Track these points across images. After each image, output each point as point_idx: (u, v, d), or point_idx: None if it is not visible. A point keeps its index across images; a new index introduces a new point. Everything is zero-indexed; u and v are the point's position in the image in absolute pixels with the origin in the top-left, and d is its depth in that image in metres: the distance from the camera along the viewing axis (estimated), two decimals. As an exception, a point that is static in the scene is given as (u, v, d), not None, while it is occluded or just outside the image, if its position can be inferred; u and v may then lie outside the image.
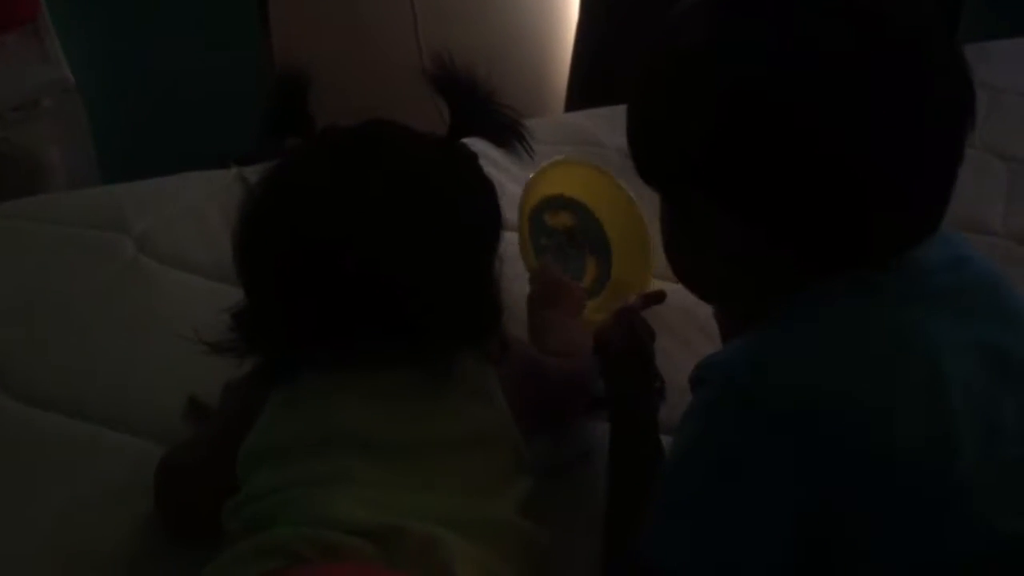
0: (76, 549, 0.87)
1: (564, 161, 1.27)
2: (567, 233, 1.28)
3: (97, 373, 1.07)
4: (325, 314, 0.78)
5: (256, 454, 0.80)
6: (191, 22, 2.02)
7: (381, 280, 0.77)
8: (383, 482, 0.76)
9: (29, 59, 1.84)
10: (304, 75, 0.83)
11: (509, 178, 1.17)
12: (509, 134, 0.86)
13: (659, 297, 1.16)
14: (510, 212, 0.93)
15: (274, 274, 0.79)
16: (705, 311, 1.16)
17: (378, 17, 2.19)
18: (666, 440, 1.01)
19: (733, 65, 0.68)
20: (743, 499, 0.70)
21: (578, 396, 1.00)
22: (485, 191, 0.86)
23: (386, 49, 2.15)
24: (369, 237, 0.78)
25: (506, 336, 0.87)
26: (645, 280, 1.24)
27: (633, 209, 1.26)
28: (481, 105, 0.85)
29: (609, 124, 1.66)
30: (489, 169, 0.89)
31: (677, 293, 1.22)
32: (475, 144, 0.88)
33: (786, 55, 0.67)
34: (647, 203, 1.17)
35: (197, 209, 1.34)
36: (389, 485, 0.76)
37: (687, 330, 1.16)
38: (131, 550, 0.88)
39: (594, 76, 2.35)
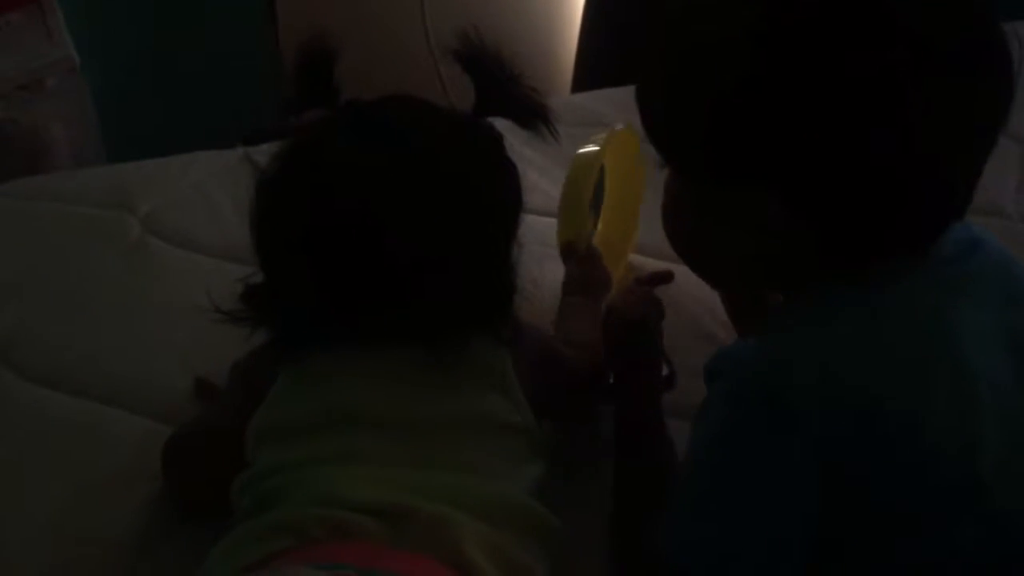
0: (82, 532, 0.87)
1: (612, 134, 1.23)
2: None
3: (102, 353, 1.06)
4: (338, 289, 0.77)
5: (265, 432, 0.79)
6: (196, 1, 2.01)
7: (395, 260, 0.76)
8: (392, 460, 0.76)
9: (33, 38, 1.83)
10: (331, 46, 0.82)
11: (532, 168, 1.16)
12: (533, 115, 0.85)
13: (667, 277, 1.15)
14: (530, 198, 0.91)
15: (291, 246, 0.78)
16: (715, 296, 1.16)
17: (385, 1, 2.17)
18: (675, 423, 1.01)
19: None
20: (765, 498, 0.69)
21: (591, 386, 0.99)
22: (507, 173, 0.85)
23: (393, 33, 2.13)
24: (388, 213, 0.77)
25: (519, 320, 0.86)
26: (626, 243, 1.21)
27: (637, 171, 1.22)
28: (507, 84, 0.83)
29: (617, 105, 1.64)
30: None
31: (686, 275, 1.23)
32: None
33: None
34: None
35: (203, 188, 1.33)
36: (398, 463, 0.76)
37: (698, 315, 1.15)
38: (137, 532, 0.87)
39: (601, 57, 2.34)
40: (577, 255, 1.11)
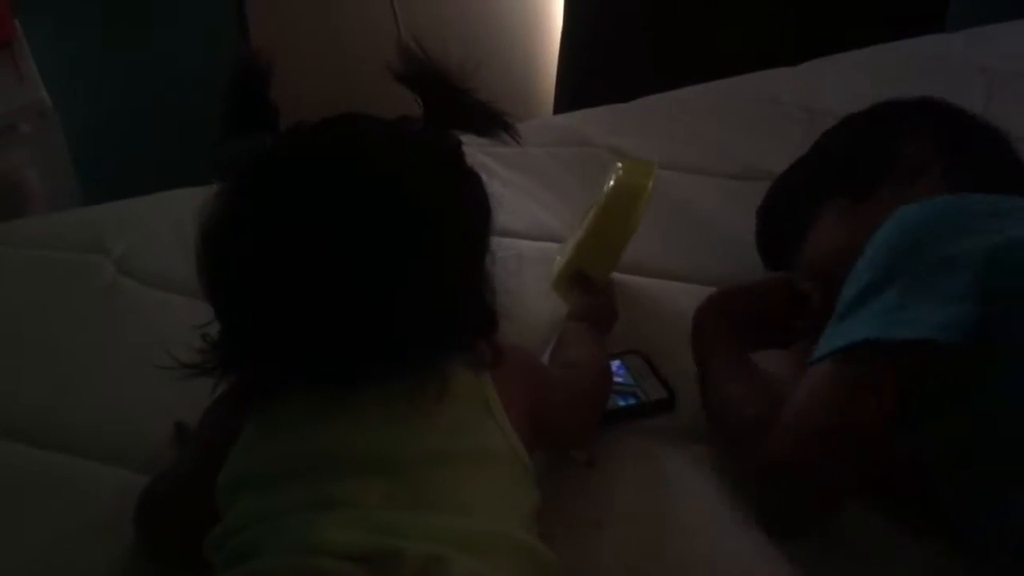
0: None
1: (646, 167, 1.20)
2: None
3: (75, 402, 1.02)
4: (299, 329, 0.73)
5: (236, 483, 0.75)
6: (168, 37, 1.98)
7: (358, 291, 0.72)
8: (376, 503, 0.71)
9: (5, 82, 1.80)
10: (263, 61, 0.78)
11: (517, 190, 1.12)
12: (489, 122, 0.80)
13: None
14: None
15: (240, 289, 0.74)
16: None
17: (359, 19, 2.15)
18: (680, 448, 0.98)
19: None
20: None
21: (586, 412, 0.95)
22: (470, 183, 0.80)
23: (367, 50, 2.11)
24: (342, 246, 0.72)
25: (500, 342, 0.82)
26: (603, 276, 1.16)
27: (636, 207, 1.17)
28: (454, 94, 0.79)
29: (600, 124, 1.62)
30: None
31: (686, 294, 1.19)
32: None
33: None
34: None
35: (179, 226, 1.28)
36: (383, 506, 0.71)
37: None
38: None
39: (582, 76, 2.32)
40: (595, 289, 1.09)
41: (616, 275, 1.25)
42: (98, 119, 1.97)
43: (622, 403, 1.01)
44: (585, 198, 1.39)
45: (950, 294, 0.79)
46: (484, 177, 0.81)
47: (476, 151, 0.83)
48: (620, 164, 1.20)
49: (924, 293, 0.81)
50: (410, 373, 0.75)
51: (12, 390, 1.04)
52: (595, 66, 2.26)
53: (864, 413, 0.80)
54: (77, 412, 1.01)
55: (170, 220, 1.30)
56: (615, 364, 1.06)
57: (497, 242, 0.81)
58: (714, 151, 1.51)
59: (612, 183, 1.16)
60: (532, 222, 1.31)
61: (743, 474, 0.90)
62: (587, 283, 1.10)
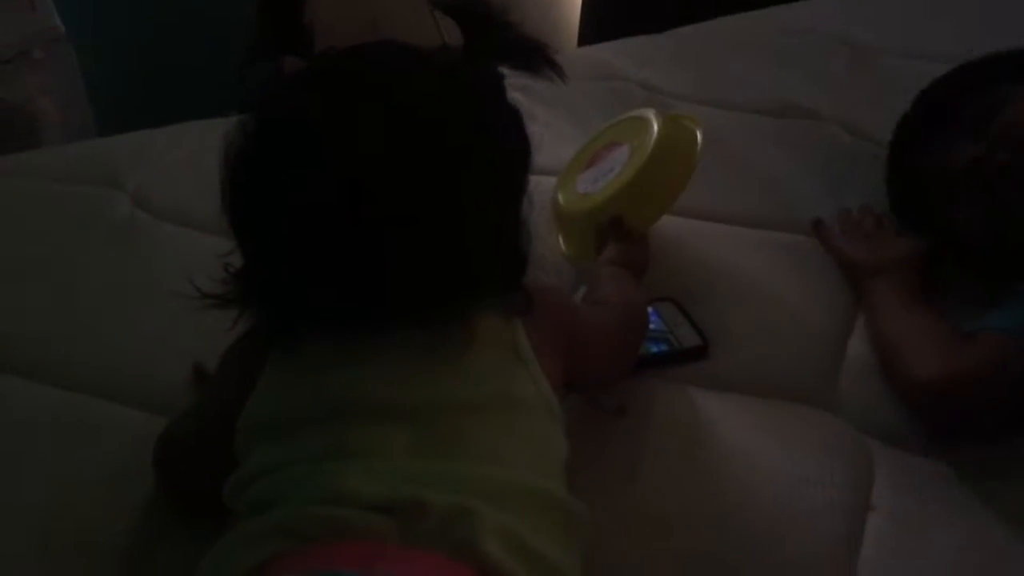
0: (68, 538, 0.80)
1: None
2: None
3: (90, 340, 0.99)
4: (325, 268, 0.69)
5: (256, 427, 0.72)
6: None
7: (387, 231, 0.68)
8: (400, 452, 0.68)
9: (17, 8, 1.75)
10: None
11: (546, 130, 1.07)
12: (531, 56, 0.76)
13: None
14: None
15: (264, 224, 0.71)
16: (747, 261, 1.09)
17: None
18: (712, 395, 0.94)
19: None
20: None
21: (621, 352, 0.92)
22: (510, 121, 0.76)
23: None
24: (369, 179, 0.68)
25: (532, 289, 0.78)
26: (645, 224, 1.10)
27: (682, 164, 1.10)
28: (496, 26, 0.74)
29: (630, 57, 1.56)
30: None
31: (719, 235, 1.15)
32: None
33: None
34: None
35: (195, 160, 1.26)
36: (407, 455, 0.68)
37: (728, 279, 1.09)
38: (130, 536, 0.80)
39: (607, 6, 2.25)
40: (633, 236, 1.05)
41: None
42: (112, 47, 1.92)
43: (655, 350, 0.98)
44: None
45: None
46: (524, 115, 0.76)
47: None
48: (654, 115, 1.14)
49: None
50: (437, 319, 0.71)
51: (26, 329, 1.01)
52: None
53: None
54: (92, 351, 0.98)
55: (186, 152, 1.27)
56: (647, 310, 1.02)
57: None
58: (748, 86, 1.46)
59: (657, 132, 1.10)
60: (558, 159, 1.26)
61: (909, 383, 0.92)
62: (622, 230, 1.05)
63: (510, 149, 0.75)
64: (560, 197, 1.15)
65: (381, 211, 0.68)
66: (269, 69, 0.74)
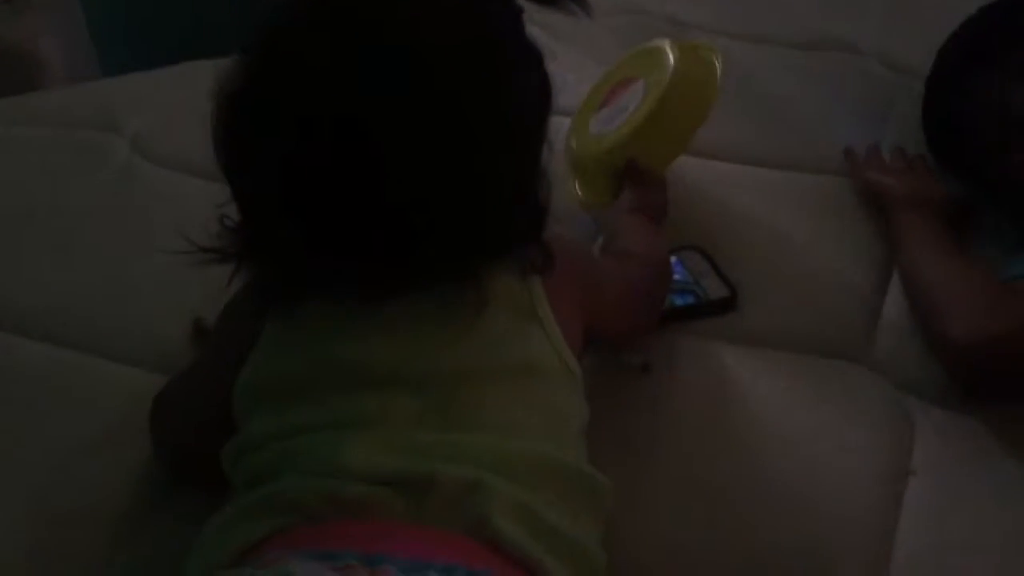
0: (61, 504, 0.76)
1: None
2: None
3: (84, 295, 0.94)
4: (328, 223, 0.64)
5: (254, 391, 0.68)
6: None
7: (395, 184, 0.62)
8: (410, 422, 0.64)
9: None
10: None
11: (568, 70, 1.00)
12: None
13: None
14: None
15: (260, 176, 0.65)
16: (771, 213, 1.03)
17: None
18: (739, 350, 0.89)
19: None
20: None
21: (645, 306, 0.87)
22: (528, 64, 0.69)
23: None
24: (370, 126, 0.62)
25: (550, 243, 0.73)
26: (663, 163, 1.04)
27: (701, 97, 1.04)
28: None
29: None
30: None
31: (747, 179, 1.09)
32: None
33: None
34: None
35: (198, 103, 1.19)
36: (417, 425, 0.64)
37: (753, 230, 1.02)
38: (124, 502, 0.77)
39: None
40: (651, 178, 0.98)
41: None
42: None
43: (679, 302, 0.92)
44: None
45: None
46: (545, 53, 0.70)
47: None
48: (669, 45, 1.06)
49: None
50: (448, 279, 0.66)
51: (17, 281, 0.97)
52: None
53: None
54: (88, 306, 0.93)
55: (188, 95, 1.20)
56: (671, 259, 0.97)
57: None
58: (780, 17, 1.38)
59: (673, 64, 1.03)
60: (579, 98, 1.19)
61: (945, 340, 0.85)
62: (640, 173, 0.99)
63: (530, 93, 0.69)
64: (573, 140, 1.08)
65: (389, 162, 0.62)
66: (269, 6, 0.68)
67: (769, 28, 1.36)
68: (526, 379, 0.67)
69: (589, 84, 1.18)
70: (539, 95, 0.70)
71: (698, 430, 0.82)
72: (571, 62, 1.23)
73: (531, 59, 0.70)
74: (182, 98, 1.21)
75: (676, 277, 0.94)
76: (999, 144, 0.97)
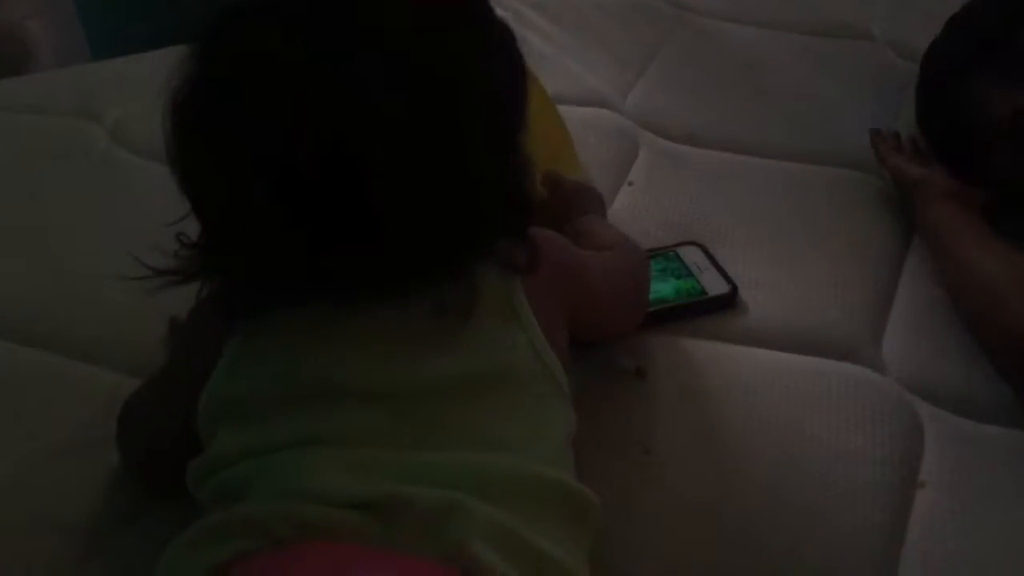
0: (33, 510, 0.73)
1: None
2: None
3: (60, 293, 0.91)
4: (292, 226, 0.59)
5: (218, 407, 0.64)
6: None
7: (351, 178, 0.58)
8: (382, 440, 0.60)
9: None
10: None
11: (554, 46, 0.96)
12: None
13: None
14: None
15: (213, 174, 0.60)
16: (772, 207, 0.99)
17: None
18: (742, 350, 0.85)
19: None
20: None
21: (634, 298, 0.83)
22: (499, 42, 0.65)
23: None
24: (332, 118, 0.57)
25: (535, 238, 0.68)
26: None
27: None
28: None
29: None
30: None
31: (753, 170, 1.05)
32: None
33: None
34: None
35: (182, 89, 1.16)
36: (389, 443, 0.60)
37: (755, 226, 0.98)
38: (97, 510, 0.73)
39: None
40: (567, 186, 0.92)
41: (670, 147, 1.10)
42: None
43: (677, 299, 0.88)
44: (638, 56, 1.24)
45: None
46: (516, 30, 0.66)
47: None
48: None
49: None
50: (428, 283, 0.62)
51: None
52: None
53: None
54: (62, 304, 0.90)
55: (172, 81, 1.16)
56: (668, 255, 0.93)
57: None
58: (790, 2, 1.33)
59: None
60: (576, 85, 1.15)
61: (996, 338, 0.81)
62: (557, 178, 0.92)
63: (505, 74, 0.65)
64: None
65: (347, 157, 0.57)
66: None
67: (780, 13, 1.32)
68: (506, 390, 0.63)
69: (583, 68, 1.14)
70: (511, 75, 0.65)
71: (696, 438, 0.78)
72: (563, 43, 1.19)
73: (499, 35, 0.65)
74: (165, 86, 1.17)
75: (675, 272, 0.90)
76: (984, 148, 0.93)
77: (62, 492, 0.74)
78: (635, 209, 1.01)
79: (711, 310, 0.89)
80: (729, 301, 0.89)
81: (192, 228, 0.64)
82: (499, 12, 0.65)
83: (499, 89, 0.64)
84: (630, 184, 1.05)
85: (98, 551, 0.70)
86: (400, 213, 0.59)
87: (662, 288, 0.89)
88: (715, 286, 0.90)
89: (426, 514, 0.56)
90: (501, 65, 0.64)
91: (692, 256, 0.93)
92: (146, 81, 1.16)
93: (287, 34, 0.58)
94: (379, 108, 0.58)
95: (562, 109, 1.06)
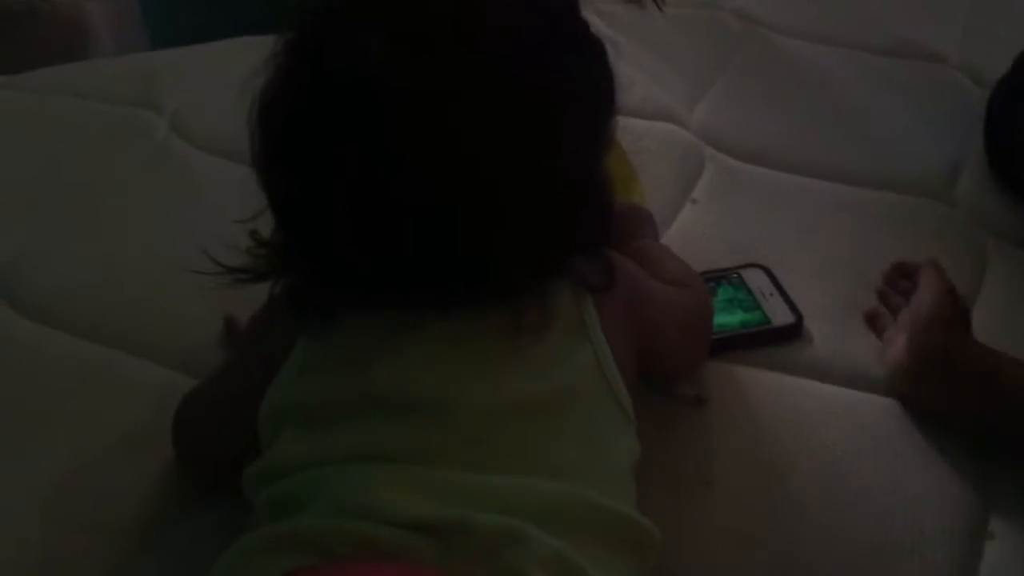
0: (80, 516, 0.72)
1: None
2: None
3: (116, 284, 0.90)
4: (373, 232, 0.58)
5: (280, 412, 0.63)
6: None
7: (436, 188, 0.57)
8: (446, 459, 0.58)
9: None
10: None
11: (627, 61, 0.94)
12: None
13: None
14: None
15: (296, 175, 0.60)
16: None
17: None
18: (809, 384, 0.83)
19: None
20: None
21: (702, 334, 0.80)
22: (593, 59, 0.64)
23: None
24: (423, 128, 0.57)
25: (611, 259, 0.67)
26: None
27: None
28: None
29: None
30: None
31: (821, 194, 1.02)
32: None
33: None
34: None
35: (242, 82, 1.14)
36: (452, 464, 0.58)
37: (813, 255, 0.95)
38: (148, 509, 0.72)
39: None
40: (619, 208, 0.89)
41: (735, 165, 1.08)
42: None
43: (739, 327, 0.86)
44: (705, 70, 1.22)
45: None
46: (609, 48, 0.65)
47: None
48: None
49: None
50: (500, 298, 0.60)
51: (45, 268, 0.92)
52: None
53: None
54: (117, 297, 0.89)
55: (231, 74, 1.15)
56: (732, 279, 0.90)
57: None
58: (861, 20, 1.30)
59: None
60: (642, 98, 1.12)
61: None
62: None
63: (596, 91, 0.64)
64: None
65: (435, 167, 0.57)
66: None
67: (850, 32, 1.29)
68: (573, 414, 0.62)
69: (654, 82, 1.11)
70: (602, 92, 0.65)
71: (759, 473, 0.75)
72: (636, 56, 1.17)
73: (593, 52, 0.65)
74: (226, 76, 1.16)
75: (742, 304, 0.88)
76: None
77: (113, 491, 0.73)
78: (698, 227, 0.99)
79: (775, 340, 0.86)
80: (794, 332, 0.87)
81: (264, 226, 0.63)
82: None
83: (593, 105, 0.64)
84: (693, 202, 1.02)
85: (148, 550, 0.70)
86: (487, 227, 0.59)
87: (729, 320, 0.86)
88: (780, 315, 0.87)
89: (486, 540, 0.55)
90: (596, 82, 0.64)
91: (756, 281, 0.90)
92: (209, 70, 1.17)
93: (392, 53, 0.57)
94: (458, 125, 0.57)
95: (627, 122, 1.04)
